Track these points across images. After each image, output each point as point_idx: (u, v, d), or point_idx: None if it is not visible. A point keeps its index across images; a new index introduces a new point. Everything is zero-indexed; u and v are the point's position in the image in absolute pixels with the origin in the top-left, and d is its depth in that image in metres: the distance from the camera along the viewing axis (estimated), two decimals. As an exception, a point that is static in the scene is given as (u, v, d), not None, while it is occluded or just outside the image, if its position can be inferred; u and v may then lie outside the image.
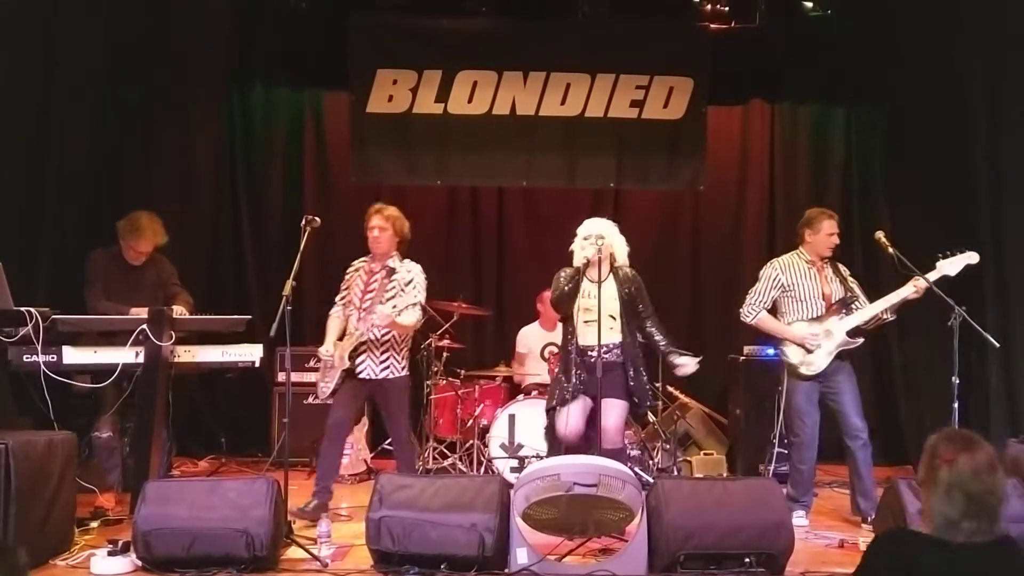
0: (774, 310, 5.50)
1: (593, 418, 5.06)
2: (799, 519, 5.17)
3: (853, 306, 5.38)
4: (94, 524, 4.95)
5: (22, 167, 5.96)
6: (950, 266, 5.19)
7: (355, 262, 5.56)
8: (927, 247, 6.47)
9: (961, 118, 6.66)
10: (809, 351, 5.31)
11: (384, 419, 5.58)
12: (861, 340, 5.36)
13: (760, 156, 7.99)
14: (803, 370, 5.33)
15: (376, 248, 5.40)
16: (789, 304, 5.46)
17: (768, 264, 5.60)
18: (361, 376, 5.30)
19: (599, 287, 5.01)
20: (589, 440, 5.05)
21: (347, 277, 5.54)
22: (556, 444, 5.23)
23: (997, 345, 5.28)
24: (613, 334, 5.06)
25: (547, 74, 7.56)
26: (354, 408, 5.52)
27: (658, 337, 5.19)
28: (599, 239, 5.07)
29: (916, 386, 7.05)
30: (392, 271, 5.37)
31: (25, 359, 4.84)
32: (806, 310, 5.40)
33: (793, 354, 5.36)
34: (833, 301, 5.40)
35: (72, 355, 4.94)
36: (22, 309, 4.80)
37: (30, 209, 6.03)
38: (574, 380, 5.05)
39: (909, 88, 7.12)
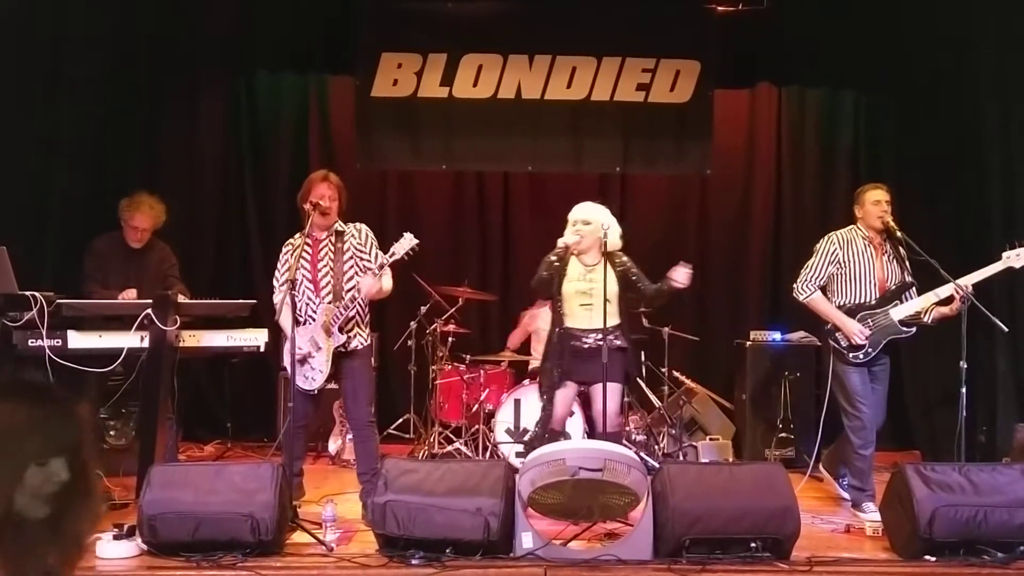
0: (824, 289, 5.23)
1: (587, 403, 5.08)
2: (870, 512, 4.94)
3: (909, 293, 5.12)
4: (99, 508, 4.95)
5: (29, 152, 5.95)
6: (1017, 258, 4.93)
7: (289, 240, 5.13)
8: (937, 234, 6.47)
9: (973, 104, 6.58)
10: (856, 345, 5.07)
11: (344, 396, 5.18)
12: (913, 330, 5.13)
13: (768, 140, 7.93)
14: (851, 357, 5.10)
15: (325, 221, 4.99)
16: (841, 284, 5.17)
17: (824, 238, 5.28)
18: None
19: (604, 271, 5.00)
20: (589, 424, 5.07)
21: (283, 256, 5.10)
22: (551, 432, 5.14)
23: (1006, 329, 5.22)
24: (611, 317, 5.00)
25: (553, 57, 7.49)
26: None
27: (655, 286, 5.09)
28: (585, 224, 5.04)
29: (923, 371, 7.01)
30: (340, 234, 5.06)
31: (30, 343, 4.84)
32: (859, 293, 5.14)
33: (844, 339, 5.11)
34: (888, 287, 5.14)
35: (77, 339, 4.94)
36: (27, 293, 4.81)
37: (36, 193, 6.03)
38: (560, 366, 5.06)
39: (920, 73, 7.04)
